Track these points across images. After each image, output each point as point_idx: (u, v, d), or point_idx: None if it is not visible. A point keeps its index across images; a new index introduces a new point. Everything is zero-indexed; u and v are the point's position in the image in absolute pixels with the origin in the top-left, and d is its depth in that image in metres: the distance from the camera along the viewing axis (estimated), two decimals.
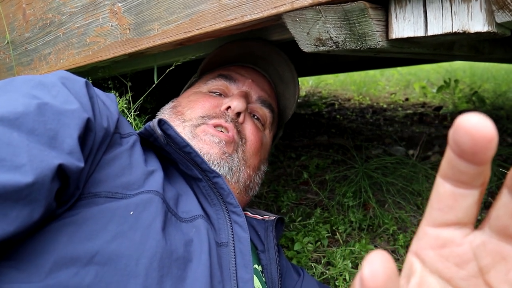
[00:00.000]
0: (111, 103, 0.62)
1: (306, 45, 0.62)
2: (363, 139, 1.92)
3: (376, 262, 0.21)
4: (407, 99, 3.12)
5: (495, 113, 2.35)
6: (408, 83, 3.69)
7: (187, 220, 0.58)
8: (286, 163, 1.66)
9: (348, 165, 1.42)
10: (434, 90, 3.04)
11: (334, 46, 0.59)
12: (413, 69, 4.23)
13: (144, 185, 0.55)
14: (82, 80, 0.58)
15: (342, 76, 4.04)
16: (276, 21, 0.64)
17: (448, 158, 0.24)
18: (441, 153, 1.70)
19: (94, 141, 0.53)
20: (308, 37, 0.61)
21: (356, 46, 0.58)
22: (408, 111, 2.68)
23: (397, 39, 0.56)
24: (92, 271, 0.44)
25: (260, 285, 0.66)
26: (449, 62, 3.96)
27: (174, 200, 0.59)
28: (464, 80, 3.40)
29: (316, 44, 0.61)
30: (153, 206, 0.53)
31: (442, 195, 0.25)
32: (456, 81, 2.81)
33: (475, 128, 0.21)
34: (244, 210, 0.82)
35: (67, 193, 0.48)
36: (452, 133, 0.22)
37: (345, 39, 0.57)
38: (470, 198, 0.24)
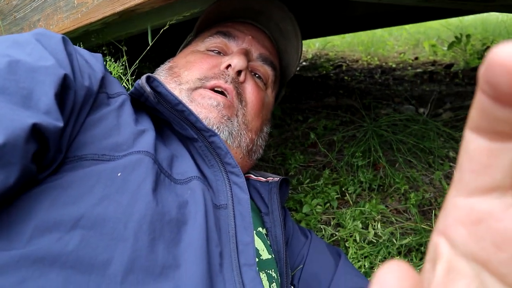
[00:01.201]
0: (95, 62, 0.58)
1: None
2: (372, 98, 1.87)
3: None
4: (416, 58, 3.02)
5: None
6: (417, 42, 3.57)
7: (182, 182, 0.54)
8: (293, 126, 1.61)
9: (357, 124, 1.37)
10: (445, 48, 2.93)
11: None
12: (422, 27, 4.09)
13: (134, 145, 0.52)
14: (58, 36, 0.53)
15: (349, 37, 3.93)
16: None
17: (480, 105, 0.18)
18: (453, 109, 1.64)
19: (75, 100, 0.49)
20: None
21: None
22: (418, 70, 2.60)
23: None
24: (76, 236, 0.41)
25: (265, 248, 0.63)
26: (459, 18, 3.81)
27: (168, 161, 0.55)
28: (476, 36, 3.28)
29: None
30: (143, 166, 0.49)
31: (474, 153, 0.19)
32: (468, 36, 2.70)
33: None
34: (247, 173, 0.78)
35: (48, 156, 0.45)
36: (484, 71, 0.17)
37: None
38: (511, 154, 0.18)
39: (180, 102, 0.59)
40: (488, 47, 2.61)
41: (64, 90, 0.48)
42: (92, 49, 1.19)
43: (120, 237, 0.43)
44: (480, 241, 0.20)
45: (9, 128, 0.38)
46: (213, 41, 0.81)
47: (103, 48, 1.14)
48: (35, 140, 0.41)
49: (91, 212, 0.43)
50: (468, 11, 1.62)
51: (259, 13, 0.88)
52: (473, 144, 0.19)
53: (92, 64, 0.56)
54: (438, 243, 0.22)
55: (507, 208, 0.19)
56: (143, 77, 0.59)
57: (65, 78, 0.47)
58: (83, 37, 1.05)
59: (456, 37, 2.70)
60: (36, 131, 0.41)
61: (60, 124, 0.44)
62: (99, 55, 0.61)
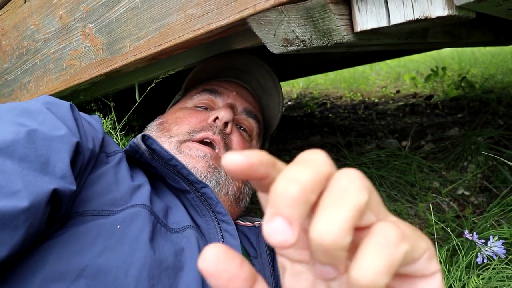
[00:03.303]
0: (96, 123, 0.63)
1: (275, 47, 0.62)
2: (356, 135, 1.92)
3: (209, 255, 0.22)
4: (398, 91, 3.12)
5: (485, 96, 2.35)
6: (398, 75, 3.69)
7: (177, 231, 0.58)
8: None
9: (341, 162, 1.41)
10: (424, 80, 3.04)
11: (302, 45, 0.59)
12: (402, 61, 4.24)
13: (131, 200, 0.56)
14: (66, 104, 0.58)
15: (331, 74, 4.04)
16: (243, 26, 0.64)
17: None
18: (434, 141, 1.70)
19: (82, 163, 0.53)
20: (275, 38, 0.61)
21: (323, 43, 0.58)
22: (400, 103, 2.68)
23: (362, 32, 0.56)
24: (81, 285, 0.44)
25: None
26: (438, 51, 3.96)
27: (163, 212, 0.59)
28: (453, 67, 3.40)
29: (284, 44, 0.61)
30: (140, 218, 0.53)
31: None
32: (444, 68, 2.81)
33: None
34: (235, 219, 0.81)
35: (58, 214, 0.48)
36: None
37: (311, 36, 0.57)
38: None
39: (173, 158, 0.63)
40: (464, 77, 2.71)
41: (76, 155, 0.52)
42: (80, 105, 1.24)
43: (121, 284, 0.46)
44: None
45: (33, 193, 0.42)
46: (200, 98, 0.87)
47: (92, 104, 1.18)
48: (51, 203, 0.45)
49: (94, 262, 0.46)
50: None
51: (241, 71, 0.95)
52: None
53: (94, 125, 0.62)
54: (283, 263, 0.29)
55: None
56: (139, 136, 0.64)
57: (77, 145, 0.52)
58: (72, 95, 1.10)
59: (432, 70, 2.80)
60: (55, 195, 0.45)
61: (74, 187, 0.49)
62: (97, 117, 0.67)
